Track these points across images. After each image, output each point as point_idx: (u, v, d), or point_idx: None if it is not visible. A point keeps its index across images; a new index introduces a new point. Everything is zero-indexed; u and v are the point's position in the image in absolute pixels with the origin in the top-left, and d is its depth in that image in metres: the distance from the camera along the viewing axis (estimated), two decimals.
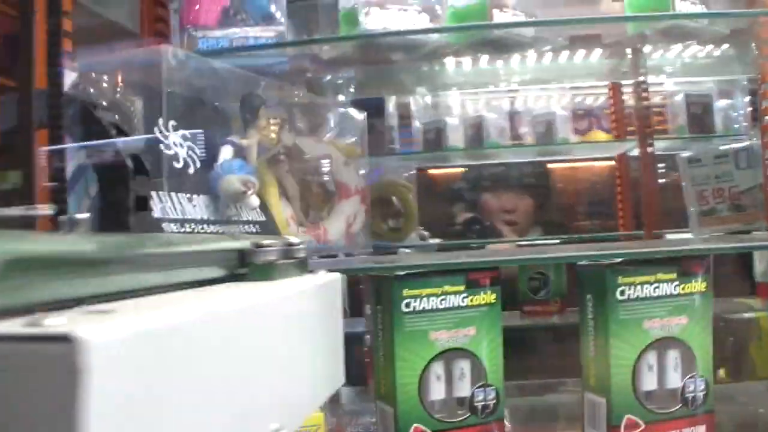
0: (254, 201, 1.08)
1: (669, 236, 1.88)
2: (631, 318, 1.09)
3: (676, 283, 1.10)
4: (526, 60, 1.65)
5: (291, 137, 1.21)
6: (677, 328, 1.10)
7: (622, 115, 1.99)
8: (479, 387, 1.12)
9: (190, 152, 1.04)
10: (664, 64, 1.68)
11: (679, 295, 1.10)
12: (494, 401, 1.13)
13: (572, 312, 2.09)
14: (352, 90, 1.59)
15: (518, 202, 2.60)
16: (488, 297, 1.13)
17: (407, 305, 1.09)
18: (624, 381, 1.09)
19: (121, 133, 0.95)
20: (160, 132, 1.00)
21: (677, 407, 1.10)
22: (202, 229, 1.02)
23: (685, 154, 1.66)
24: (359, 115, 1.36)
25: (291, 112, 1.26)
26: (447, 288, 1.11)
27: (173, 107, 1.00)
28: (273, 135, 1.17)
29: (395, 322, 1.09)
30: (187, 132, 1.04)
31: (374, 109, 2.06)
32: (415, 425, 1.10)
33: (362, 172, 1.33)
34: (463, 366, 1.12)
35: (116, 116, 0.97)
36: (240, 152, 1.10)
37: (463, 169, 2.97)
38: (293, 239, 0.85)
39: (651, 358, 1.10)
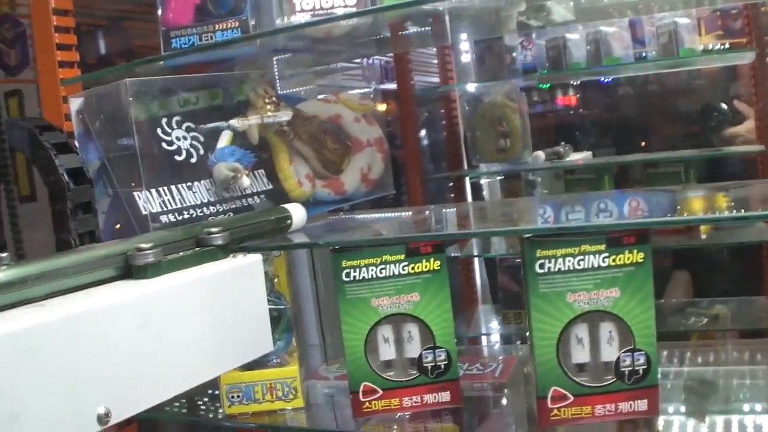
0: (245, 182, 1.21)
1: None
2: (551, 291, 1.07)
3: (605, 255, 1.05)
4: None
5: (293, 110, 1.33)
6: (608, 301, 1.06)
7: (751, 22, 1.77)
8: (428, 349, 1.17)
9: (194, 142, 1.20)
10: None
11: (608, 267, 1.06)
12: (445, 362, 1.17)
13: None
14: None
15: None
16: (432, 264, 1.16)
17: (347, 275, 1.16)
18: (548, 354, 1.08)
19: (69, 150, 1.11)
20: (163, 131, 1.17)
21: (612, 381, 1.08)
22: (202, 212, 1.18)
23: None
24: (372, 69, 1.43)
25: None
26: (387, 257, 1.15)
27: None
28: (270, 111, 1.29)
29: (338, 291, 1.16)
30: (191, 123, 1.20)
31: None
32: (364, 383, 1.18)
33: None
34: (411, 329, 1.17)
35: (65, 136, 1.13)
36: (240, 135, 1.24)
37: None
38: (213, 229, 0.98)
39: (580, 331, 1.08)
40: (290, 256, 1.38)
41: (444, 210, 1.46)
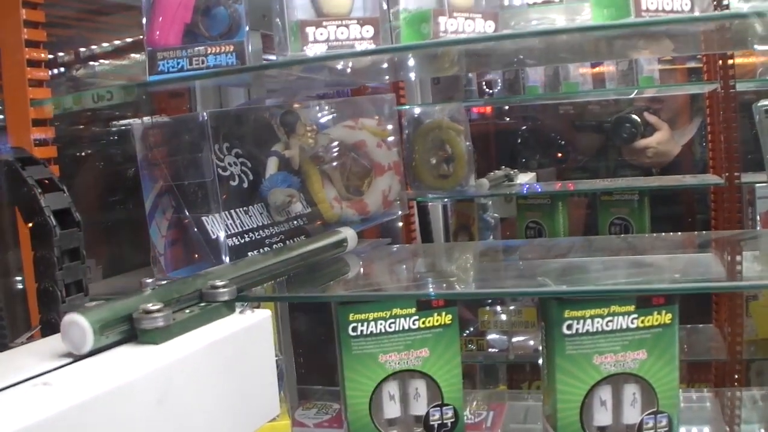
0: (297, 207, 1.28)
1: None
2: (578, 353, 1.03)
3: (634, 316, 1.02)
4: None
5: (326, 137, 1.36)
6: (634, 363, 1.03)
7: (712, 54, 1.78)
8: (435, 406, 1.11)
9: (243, 167, 1.22)
10: None
11: (637, 328, 1.02)
12: (452, 420, 1.12)
13: None
14: None
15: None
16: (443, 318, 1.10)
17: (354, 329, 1.09)
18: (571, 416, 1.04)
19: (55, 188, 0.99)
20: (217, 157, 1.18)
21: None
22: (259, 235, 1.21)
23: (764, 102, 1.50)
24: (389, 97, 1.54)
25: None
26: (397, 311, 1.09)
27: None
28: (311, 140, 1.32)
29: (343, 345, 1.09)
30: (238, 150, 1.21)
31: None
32: None
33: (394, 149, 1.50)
34: (418, 386, 1.12)
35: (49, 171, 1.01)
36: (285, 161, 1.28)
37: None
38: (218, 282, 0.89)
39: (604, 393, 1.04)
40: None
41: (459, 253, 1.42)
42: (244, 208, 1.21)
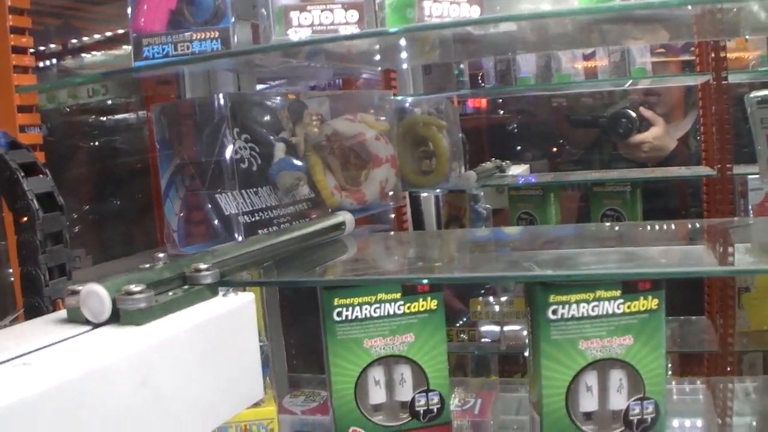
0: (305, 190, 1.36)
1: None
2: (564, 338, 1.02)
3: (620, 301, 1.01)
4: None
5: (329, 127, 1.40)
6: (621, 348, 1.02)
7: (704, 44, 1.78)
8: (420, 392, 1.11)
9: (252, 152, 1.26)
10: None
11: (623, 314, 1.02)
12: (438, 406, 1.11)
13: None
14: None
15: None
16: (429, 303, 1.09)
17: (339, 314, 1.08)
18: (557, 403, 1.03)
19: (38, 172, 0.99)
20: (228, 141, 1.22)
21: (620, 430, 1.04)
22: (268, 215, 1.28)
23: (756, 94, 1.50)
24: (388, 95, 1.63)
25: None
26: (382, 296, 1.08)
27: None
28: (316, 129, 1.37)
29: (328, 330, 1.09)
30: (248, 135, 1.25)
31: None
32: (352, 428, 1.11)
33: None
34: (403, 372, 1.11)
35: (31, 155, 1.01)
36: (291, 147, 1.34)
37: None
38: (202, 265, 0.89)
39: (590, 379, 1.04)
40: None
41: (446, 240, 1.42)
42: (254, 190, 1.26)
